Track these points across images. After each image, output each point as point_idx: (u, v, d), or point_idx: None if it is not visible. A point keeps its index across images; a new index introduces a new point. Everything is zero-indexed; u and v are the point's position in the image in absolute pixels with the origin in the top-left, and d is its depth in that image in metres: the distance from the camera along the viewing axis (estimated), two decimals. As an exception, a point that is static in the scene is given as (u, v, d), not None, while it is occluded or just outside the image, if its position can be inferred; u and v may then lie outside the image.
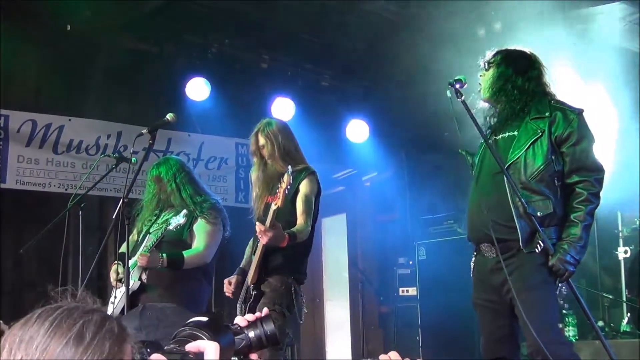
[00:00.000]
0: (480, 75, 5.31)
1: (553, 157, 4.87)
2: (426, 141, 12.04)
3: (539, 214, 4.78)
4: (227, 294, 6.10)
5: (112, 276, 6.53)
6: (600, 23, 8.57)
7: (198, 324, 4.62)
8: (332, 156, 11.30)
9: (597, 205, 4.88)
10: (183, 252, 6.46)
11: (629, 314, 8.40)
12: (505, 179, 4.86)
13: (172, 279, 6.49)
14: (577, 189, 4.85)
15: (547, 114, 4.94)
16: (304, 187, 5.96)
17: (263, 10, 8.93)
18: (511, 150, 4.96)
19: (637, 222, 8.68)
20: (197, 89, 9.60)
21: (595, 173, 4.88)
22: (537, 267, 4.80)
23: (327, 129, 10.97)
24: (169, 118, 6.19)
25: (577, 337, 8.54)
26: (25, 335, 1.83)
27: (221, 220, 6.75)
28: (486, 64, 5.29)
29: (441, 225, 10.70)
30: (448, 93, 5.04)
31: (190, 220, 6.59)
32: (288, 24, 9.30)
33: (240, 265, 6.24)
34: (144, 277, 6.48)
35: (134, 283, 6.43)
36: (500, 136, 5.10)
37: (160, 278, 6.47)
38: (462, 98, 4.96)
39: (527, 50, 5.33)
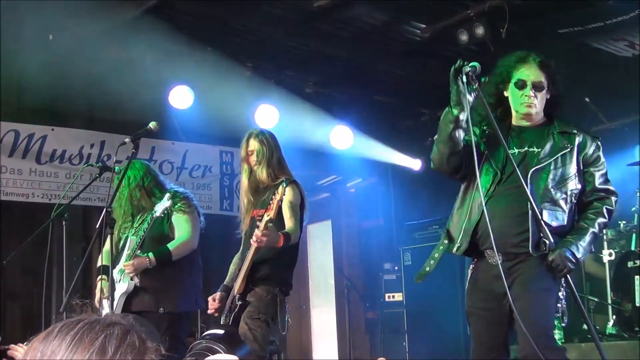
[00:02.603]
0: None
1: (577, 174, 4.86)
2: (411, 145, 12.07)
3: (553, 223, 4.75)
4: (211, 311, 6.09)
5: (97, 295, 6.54)
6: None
7: (214, 337, 4.61)
8: (317, 163, 11.30)
9: (608, 222, 4.96)
10: (167, 244, 6.50)
11: (614, 317, 8.42)
12: (526, 190, 4.71)
13: (166, 280, 6.52)
14: (595, 203, 4.90)
15: (574, 131, 4.94)
16: (287, 194, 5.98)
17: (245, 18, 8.92)
18: (539, 156, 4.86)
19: (622, 225, 8.71)
20: (180, 97, 9.58)
21: (613, 195, 4.95)
22: (543, 273, 4.74)
23: (312, 136, 10.98)
24: (151, 126, 6.18)
25: (562, 340, 8.54)
26: (47, 350, 1.82)
27: (194, 207, 6.81)
28: None
29: (426, 230, 10.71)
30: (463, 79, 4.79)
31: (168, 215, 6.61)
32: (271, 31, 9.30)
33: (225, 282, 6.24)
34: (136, 280, 6.48)
35: (129, 285, 6.44)
36: (525, 149, 4.94)
37: (153, 280, 6.48)
38: (477, 85, 4.73)
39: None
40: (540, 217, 4.65)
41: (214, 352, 5.36)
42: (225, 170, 10.47)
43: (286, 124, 10.16)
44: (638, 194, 8.78)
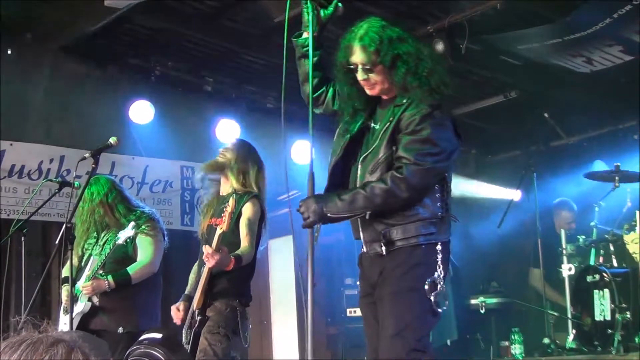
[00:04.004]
0: None
1: (394, 147, 4.34)
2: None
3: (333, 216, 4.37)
4: (176, 321, 6.06)
5: (64, 298, 6.51)
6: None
7: (153, 342, 4.49)
8: (277, 178, 11.27)
9: (394, 191, 4.22)
10: (127, 268, 6.50)
11: (574, 331, 8.47)
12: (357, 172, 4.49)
13: (126, 299, 6.51)
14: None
15: (404, 101, 4.37)
16: (246, 210, 6.00)
17: (206, 32, 8.91)
18: (373, 137, 4.50)
19: (581, 240, 8.77)
20: (141, 112, 9.54)
21: (411, 164, 4.22)
22: (408, 268, 4.34)
23: (273, 151, 10.97)
24: (111, 141, 6.15)
25: (523, 355, 8.60)
26: None
27: (159, 229, 6.80)
28: None
29: (386, 245, 10.71)
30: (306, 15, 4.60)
31: (132, 237, 6.61)
32: (231, 45, 9.29)
33: (185, 292, 6.21)
34: (95, 299, 6.46)
35: (85, 305, 6.41)
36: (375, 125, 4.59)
37: (113, 300, 6.47)
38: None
39: None
40: None
41: (152, 357, 5.30)
42: (186, 185, 10.41)
43: (247, 139, 10.13)
44: (596, 209, 8.85)
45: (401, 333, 4.25)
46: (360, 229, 4.56)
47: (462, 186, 11.58)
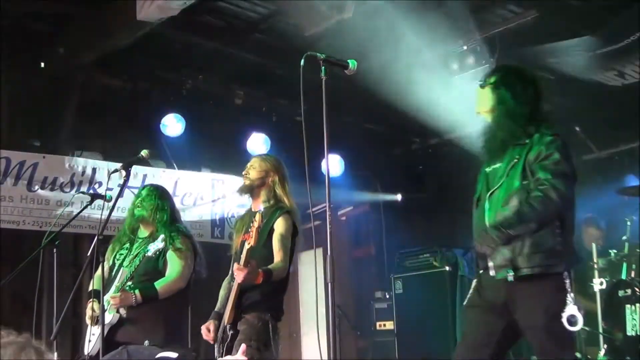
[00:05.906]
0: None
1: (523, 182, 4.68)
2: (401, 174, 12.08)
3: (510, 232, 4.62)
4: (207, 340, 6.04)
5: (88, 313, 6.49)
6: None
7: None
8: (307, 191, 11.27)
9: (550, 204, 4.55)
10: (155, 283, 6.49)
11: (605, 346, 8.40)
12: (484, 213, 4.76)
13: (153, 313, 6.49)
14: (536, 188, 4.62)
15: (526, 141, 4.78)
16: (278, 226, 5.98)
17: (236, 46, 8.95)
18: (498, 174, 4.83)
19: (612, 254, 8.71)
20: (172, 125, 9.59)
21: (558, 180, 4.57)
22: (545, 299, 4.66)
23: (302, 164, 10.99)
24: (143, 154, 6.17)
25: None
26: None
27: (191, 246, 6.79)
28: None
29: (417, 258, 10.69)
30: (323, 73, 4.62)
31: (163, 251, 6.61)
32: (262, 59, 9.32)
33: (215, 309, 6.18)
34: (122, 311, 6.46)
35: (113, 317, 6.41)
36: (496, 165, 4.92)
37: (140, 313, 6.46)
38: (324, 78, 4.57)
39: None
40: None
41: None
42: (217, 198, 10.45)
43: (277, 152, 10.17)
44: (628, 223, 8.78)
45: None
46: (488, 256, 4.79)
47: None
